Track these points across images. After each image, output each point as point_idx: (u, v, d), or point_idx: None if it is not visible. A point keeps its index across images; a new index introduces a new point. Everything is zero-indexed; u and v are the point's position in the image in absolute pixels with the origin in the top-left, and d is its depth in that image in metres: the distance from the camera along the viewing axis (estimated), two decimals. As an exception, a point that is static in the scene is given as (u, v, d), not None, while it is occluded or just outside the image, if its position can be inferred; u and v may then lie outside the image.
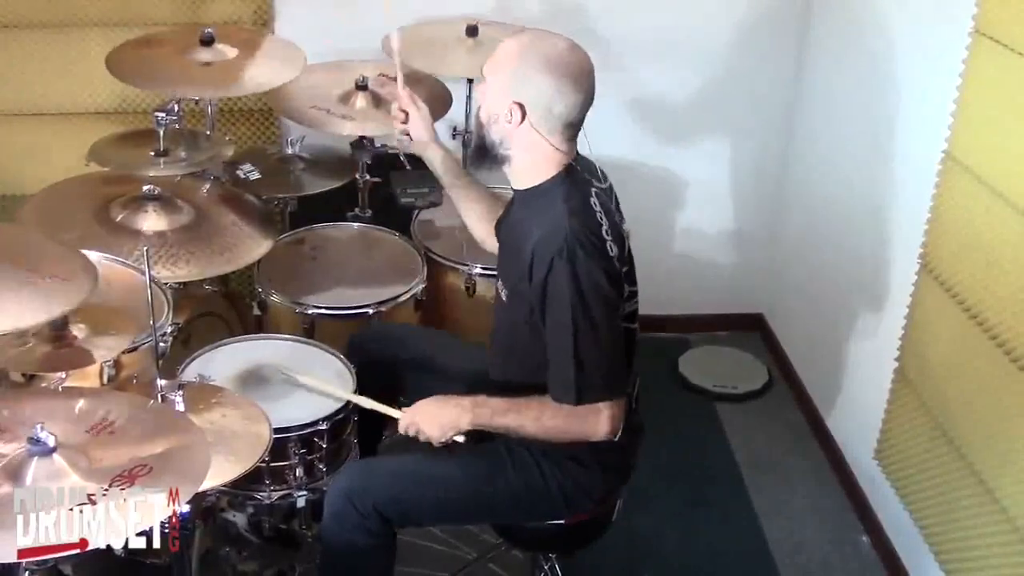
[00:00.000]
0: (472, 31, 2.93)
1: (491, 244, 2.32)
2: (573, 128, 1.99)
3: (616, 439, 2.08)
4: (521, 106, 1.94)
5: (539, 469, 2.11)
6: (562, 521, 2.17)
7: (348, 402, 2.25)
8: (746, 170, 3.67)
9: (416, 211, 2.97)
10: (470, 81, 3.05)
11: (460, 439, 2.08)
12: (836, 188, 3.29)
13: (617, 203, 2.12)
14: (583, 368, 1.93)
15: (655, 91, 3.46)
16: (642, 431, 2.21)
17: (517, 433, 2.05)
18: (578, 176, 2.02)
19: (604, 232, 1.96)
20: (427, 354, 2.40)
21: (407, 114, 2.38)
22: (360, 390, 2.28)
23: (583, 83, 1.95)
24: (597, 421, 1.98)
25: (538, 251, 1.94)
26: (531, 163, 2.01)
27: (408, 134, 2.39)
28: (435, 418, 2.08)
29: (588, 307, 1.91)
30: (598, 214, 1.98)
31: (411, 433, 2.10)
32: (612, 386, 1.98)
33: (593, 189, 2.02)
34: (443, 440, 2.08)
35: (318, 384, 2.27)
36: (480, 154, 2.06)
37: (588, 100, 1.97)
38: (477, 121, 2.06)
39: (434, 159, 2.38)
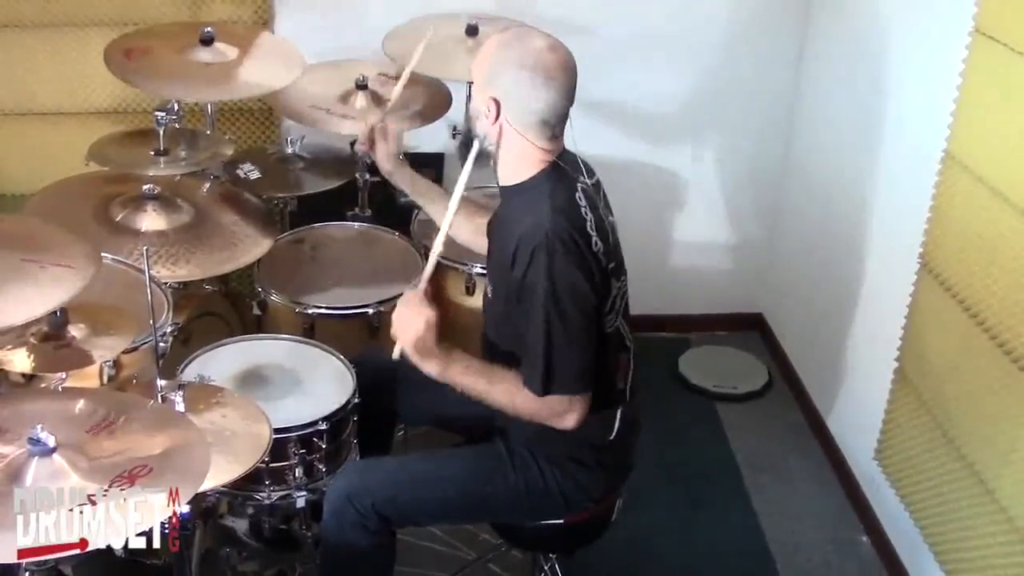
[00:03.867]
0: (472, 31, 2.92)
1: (477, 245, 2.32)
2: (550, 126, 1.96)
3: (612, 438, 2.09)
4: (496, 101, 1.95)
5: (538, 469, 2.11)
6: (561, 521, 2.17)
7: (348, 401, 2.24)
8: (746, 170, 3.67)
9: (416, 211, 2.97)
10: (470, 82, 3.04)
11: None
12: (836, 188, 3.29)
13: (606, 199, 2.12)
14: (552, 362, 1.94)
15: (655, 91, 3.45)
16: (639, 429, 2.21)
17: (481, 397, 2.03)
18: (564, 172, 2.01)
19: (588, 227, 1.96)
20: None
21: (372, 141, 2.42)
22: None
23: (561, 81, 1.93)
24: (563, 412, 1.99)
25: (521, 245, 1.94)
26: (513, 159, 2.01)
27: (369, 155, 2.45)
28: (413, 350, 1.99)
29: (560, 303, 1.92)
30: (583, 209, 1.98)
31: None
32: (580, 382, 1.98)
33: (579, 185, 2.02)
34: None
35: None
36: (465, 146, 2.06)
37: (566, 98, 1.95)
38: (467, 115, 2.09)
39: (402, 182, 2.43)
